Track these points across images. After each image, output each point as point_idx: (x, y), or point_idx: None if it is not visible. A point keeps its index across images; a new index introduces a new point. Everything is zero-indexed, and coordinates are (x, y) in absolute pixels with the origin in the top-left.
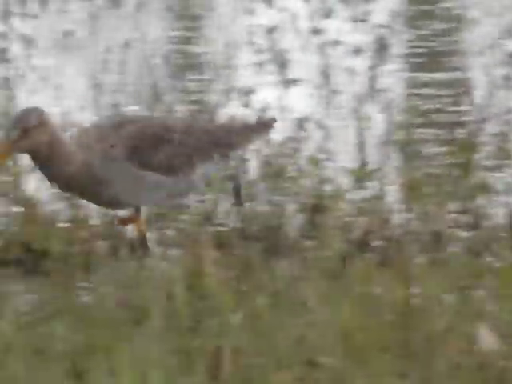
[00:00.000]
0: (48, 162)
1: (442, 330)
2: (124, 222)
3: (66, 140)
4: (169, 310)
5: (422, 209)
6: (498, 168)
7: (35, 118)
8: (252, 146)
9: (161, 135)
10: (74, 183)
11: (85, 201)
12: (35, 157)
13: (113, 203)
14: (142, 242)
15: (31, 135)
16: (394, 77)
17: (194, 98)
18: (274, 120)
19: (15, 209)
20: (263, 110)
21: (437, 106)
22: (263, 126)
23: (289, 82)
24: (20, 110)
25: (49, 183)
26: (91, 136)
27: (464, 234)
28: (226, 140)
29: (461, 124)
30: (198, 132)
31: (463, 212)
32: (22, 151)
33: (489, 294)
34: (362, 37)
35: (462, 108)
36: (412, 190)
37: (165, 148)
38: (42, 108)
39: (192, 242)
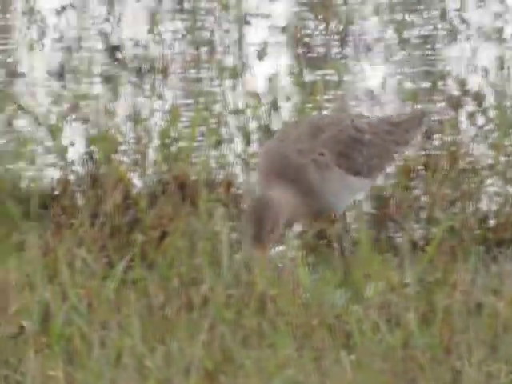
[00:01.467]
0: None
1: None
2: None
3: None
4: None
5: None
6: None
7: (266, 211)
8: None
9: (356, 137)
10: (306, 211)
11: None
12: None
13: (324, 211)
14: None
15: (271, 229)
16: None
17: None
18: (426, 112)
19: None
20: None
21: None
22: (419, 118)
23: None
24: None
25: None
26: (298, 149)
27: None
28: (403, 138)
29: None
30: (382, 131)
31: None
32: (278, 238)
33: None
34: None
35: None
36: None
37: (362, 150)
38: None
39: None
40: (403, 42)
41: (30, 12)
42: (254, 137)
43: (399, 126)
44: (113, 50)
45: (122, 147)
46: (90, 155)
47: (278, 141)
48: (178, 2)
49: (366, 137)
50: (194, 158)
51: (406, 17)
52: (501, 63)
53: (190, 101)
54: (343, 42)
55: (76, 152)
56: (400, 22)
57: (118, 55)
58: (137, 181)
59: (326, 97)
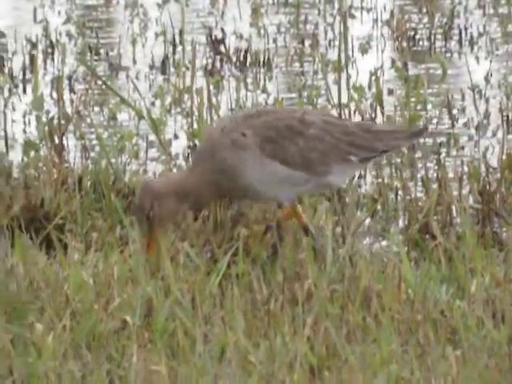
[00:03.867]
0: (189, 203)
1: None
2: (286, 217)
3: (182, 176)
4: None
5: None
6: None
7: (148, 200)
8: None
9: (296, 128)
10: (213, 193)
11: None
12: (175, 216)
13: (248, 194)
14: (306, 231)
15: (156, 216)
16: None
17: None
18: (425, 129)
19: None
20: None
21: None
22: (412, 134)
23: None
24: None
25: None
26: (217, 134)
27: None
28: (368, 144)
29: None
30: (338, 130)
31: None
32: (165, 227)
33: None
34: None
35: None
36: None
37: (299, 142)
38: (146, 181)
39: None
40: (507, 36)
41: (133, 6)
42: None
43: (373, 133)
44: (216, 43)
45: None
46: (192, 149)
47: (220, 121)
48: None
49: (311, 131)
50: None
51: (511, 10)
52: None
53: (293, 94)
54: (447, 36)
55: (179, 146)
56: (504, 16)
57: (222, 49)
58: None
59: (429, 90)
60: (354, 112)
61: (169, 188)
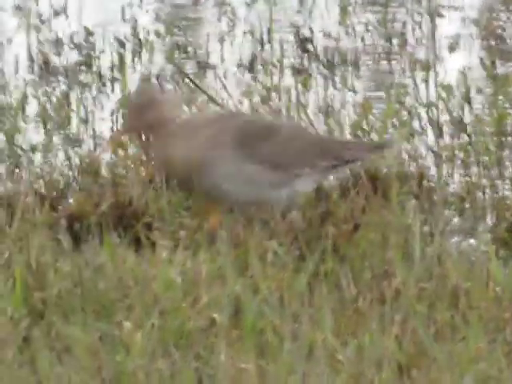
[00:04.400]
0: (155, 141)
1: None
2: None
3: (175, 120)
4: None
5: None
6: None
7: (145, 96)
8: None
9: (271, 131)
10: (177, 168)
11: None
12: (146, 136)
13: (213, 192)
14: (212, 236)
15: (140, 114)
16: None
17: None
18: (392, 143)
19: None
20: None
21: None
22: (376, 147)
23: None
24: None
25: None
26: (199, 122)
27: None
28: (336, 153)
29: None
30: (307, 136)
31: None
32: (133, 131)
33: None
34: None
35: None
36: None
37: (273, 143)
38: (155, 84)
39: None
40: None
41: (221, 4)
42: (446, 129)
43: (341, 143)
44: (304, 41)
45: None
46: None
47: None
48: None
49: (284, 135)
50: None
51: None
52: None
53: (381, 93)
54: None
55: None
56: None
57: (309, 47)
58: None
59: None
60: (444, 111)
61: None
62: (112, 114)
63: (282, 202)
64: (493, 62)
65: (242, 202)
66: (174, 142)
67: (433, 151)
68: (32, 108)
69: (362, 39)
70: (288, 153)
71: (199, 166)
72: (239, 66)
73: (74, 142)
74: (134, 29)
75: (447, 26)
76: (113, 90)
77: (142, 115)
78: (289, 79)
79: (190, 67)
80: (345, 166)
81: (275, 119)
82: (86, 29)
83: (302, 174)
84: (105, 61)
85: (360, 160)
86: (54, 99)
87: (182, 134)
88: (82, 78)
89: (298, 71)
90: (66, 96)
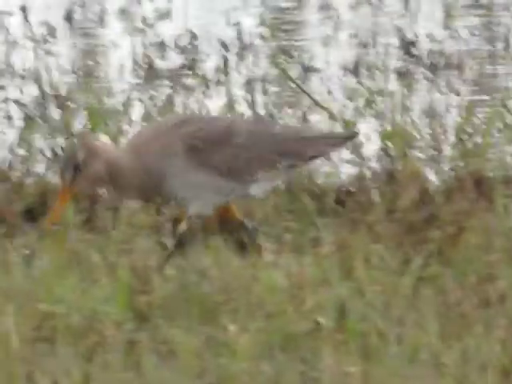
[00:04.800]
0: (113, 183)
1: None
2: (222, 215)
3: (119, 155)
4: None
5: None
6: None
7: (82, 150)
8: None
9: (223, 137)
10: (137, 189)
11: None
12: (99, 185)
13: (172, 199)
14: (245, 229)
15: (85, 170)
16: None
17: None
18: (356, 133)
19: None
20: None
21: None
22: (341, 138)
23: None
24: (65, 147)
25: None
26: (149, 135)
27: None
28: (297, 151)
29: None
30: (265, 138)
31: None
32: (84, 188)
33: None
34: None
35: None
36: None
37: (225, 151)
38: (86, 134)
39: None
40: None
41: (326, 7)
42: None
43: (302, 140)
44: (408, 45)
45: (418, 143)
46: (385, 151)
47: (143, 129)
48: None
49: (238, 140)
50: (491, 154)
51: None
52: None
53: (485, 97)
54: None
55: (371, 148)
56: None
57: (414, 51)
58: (432, 177)
59: None
60: None
61: (108, 155)
62: None
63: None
64: None
65: (202, 207)
66: (127, 159)
67: None
68: (136, 111)
69: (466, 42)
70: (241, 160)
71: (153, 177)
72: (343, 69)
73: None
74: (239, 32)
75: None
76: (217, 94)
77: (88, 172)
78: (393, 83)
79: (294, 71)
80: (308, 163)
81: (234, 122)
82: (191, 32)
83: (258, 178)
84: (209, 64)
85: (324, 155)
86: (159, 102)
87: (133, 150)
88: (187, 81)
89: (402, 74)
90: (170, 99)
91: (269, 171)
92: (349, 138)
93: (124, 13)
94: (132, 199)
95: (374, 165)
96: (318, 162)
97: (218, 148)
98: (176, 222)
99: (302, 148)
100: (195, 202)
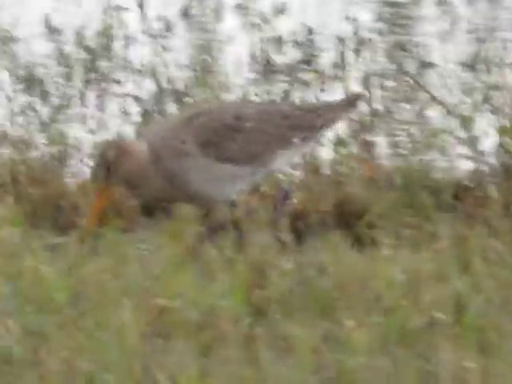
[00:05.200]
0: (139, 183)
1: None
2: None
3: (145, 157)
4: None
5: None
6: None
7: (113, 150)
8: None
9: (232, 125)
10: (160, 193)
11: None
12: (129, 184)
13: (202, 199)
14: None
15: (116, 169)
16: None
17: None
18: (361, 95)
19: None
20: None
21: None
22: (348, 103)
23: None
24: (97, 147)
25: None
26: (161, 136)
27: None
28: (307, 122)
29: None
30: (273, 117)
31: None
32: (116, 185)
33: None
34: None
35: None
36: None
37: (237, 137)
38: (119, 137)
39: None
40: None
41: (442, 2)
42: None
43: (309, 111)
44: None
45: None
46: (502, 146)
47: (159, 126)
48: None
49: (247, 124)
50: None
51: None
52: None
53: None
54: None
55: (488, 142)
56: None
57: None
58: None
59: None
60: None
61: (137, 155)
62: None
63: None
64: None
65: (232, 197)
66: (150, 163)
67: None
68: None
69: None
70: (254, 144)
71: (171, 180)
72: (460, 64)
73: None
74: (355, 27)
75: None
76: (334, 89)
77: (119, 170)
78: (510, 77)
79: (411, 66)
80: (320, 131)
81: (240, 107)
82: (308, 27)
83: (276, 156)
84: (326, 59)
85: (335, 121)
86: (275, 97)
87: (153, 152)
88: (303, 76)
89: None
90: (287, 94)
91: (285, 147)
92: (353, 102)
93: (241, 7)
94: (153, 201)
95: (491, 160)
96: (332, 129)
97: (230, 137)
98: (293, 217)
99: (312, 119)
100: (221, 193)
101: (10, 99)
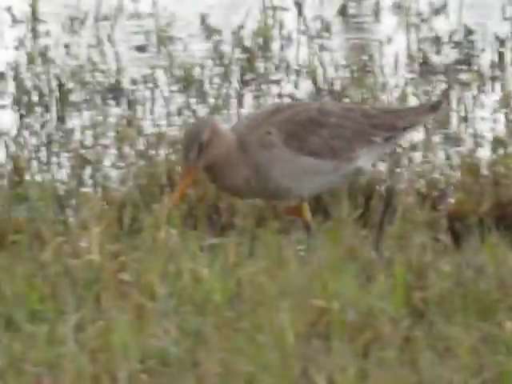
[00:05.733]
0: (223, 170)
1: None
2: (289, 212)
3: (234, 145)
4: None
5: None
6: None
7: (207, 130)
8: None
9: (317, 119)
10: (242, 183)
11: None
12: (213, 170)
13: (278, 193)
14: (308, 230)
15: (208, 150)
16: None
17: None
18: (441, 102)
19: None
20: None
21: None
22: (429, 108)
23: None
24: (190, 126)
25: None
26: (246, 126)
27: None
28: (389, 123)
29: None
30: (358, 115)
31: None
32: (205, 167)
33: None
34: None
35: None
36: None
37: (322, 132)
38: (211, 117)
39: None
40: None
41: None
42: None
43: (393, 112)
44: None
45: None
46: None
47: (246, 117)
48: None
49: (332, 120)
50: None
51: None
52: None
53: None
54: None
55: None
56: None
57: None
58: None
59: None
60: None
61: (228, 141)
62: (492, 113)
63: (345, 182)
64: None
65: (306, 194)
66: (229, 170)
67: None
68: None
69: None
70: (337, 140)
71: (255, 170)
72: None
73: (455, 140)
74: None
75: None
76: (493, 89)
77: (209, 152)
78: None
79: None
80: (403, 134)
81: (324, 103)
82: (466, 27)
83: (359, 154)
84: (485, 59)
85: (417, 124)
86: (434, 97)
87: (239, 144)
88: (462, 76)
89: None
90: (445, 95)
91: (367, 146)
92: (435, 107)
93: (399, 7)
94: (230, 192)
95: None
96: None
97: (313, 131)
98: (452, 217)
99: (394, 120)
100: (301, 187)
101: (166, 99)
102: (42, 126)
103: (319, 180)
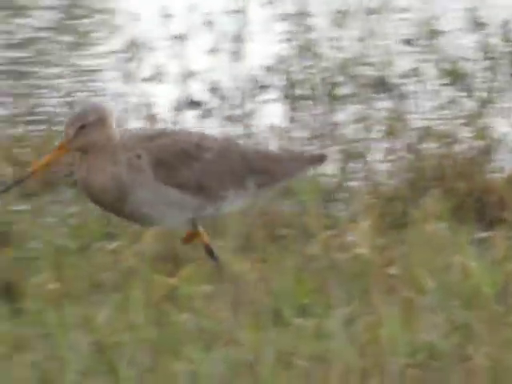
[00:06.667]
0: (93, 161)
1: None
2: (187, 239)
3: (117, 141)
4: None
5: None
6: None
7: (94, 114)
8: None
9: (191, 152)
10: (102, 193)
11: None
12: (84, 154)
13: (135, 216)
14: (210, 253)
15: (87, 132)
16: None
17: None
18: (325, 156)
19: None
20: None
21: None
22: (310, 160)
23: None
24: (81, 105)
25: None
26: (129, 138)
27: None
28: (264, 169)
29: None
30: (235, 155)
31: None
32: (77, 149)
33: None
34: None
35: None
36: None
37: (193, 166)
38: (104, 104)
39: None
40: None
41: None
42: None
43: (272, 160)
44: None
45: None
46: None
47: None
48: None
49: (207, 156)
50: None
51: None
52: None
53: None
54: None
55: None
56: None
57: None
58: None
59: None
60: None
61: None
62: None
63: (206, 219)
64: None
65: (170, 224)
66: (97, 165)
67: None
68: None
69: None
70: (210, 177)
71: (117, 191)
72: None
73: None
74: None
75: None
76: None
77: (88, 135)
78: None
79: None
80: (278, 183)
81: (205, 137)
82: None
83: (228, 195)
84: None
85: (292, 176)
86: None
87: (104, 158)
88: None
89: None
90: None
91: (238, 189)
92: (317, 160)
93: None
94: (92, 197)
95: None
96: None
97: (186, 163)
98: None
99: (272, 168)
100: (163, 219)
101: (434, 93)
102: (311, 120)
103: (182, 214)
